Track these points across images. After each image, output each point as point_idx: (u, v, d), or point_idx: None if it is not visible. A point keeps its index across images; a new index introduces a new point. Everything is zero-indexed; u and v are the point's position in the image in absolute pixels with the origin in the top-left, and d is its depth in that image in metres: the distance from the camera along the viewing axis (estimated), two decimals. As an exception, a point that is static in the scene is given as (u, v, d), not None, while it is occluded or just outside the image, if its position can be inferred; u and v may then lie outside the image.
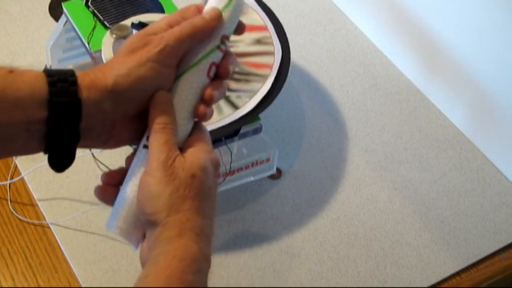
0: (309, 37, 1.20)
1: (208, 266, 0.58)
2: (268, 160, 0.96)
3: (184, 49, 0.60)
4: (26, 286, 0.86)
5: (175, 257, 0.55)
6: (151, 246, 0.57)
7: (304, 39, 1.20)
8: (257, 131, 0.92)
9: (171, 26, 0.60)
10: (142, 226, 0.60)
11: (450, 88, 1.09)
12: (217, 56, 0.62)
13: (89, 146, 0.60)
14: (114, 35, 0.91)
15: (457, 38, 1.04)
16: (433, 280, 0.91)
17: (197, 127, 0.62)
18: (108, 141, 0.60)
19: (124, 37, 0.92)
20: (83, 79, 0.56)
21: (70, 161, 0.58)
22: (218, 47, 0.62)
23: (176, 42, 0.59)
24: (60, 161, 0.59)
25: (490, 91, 1.02)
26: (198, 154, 0.59)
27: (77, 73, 0.56)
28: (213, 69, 0.62)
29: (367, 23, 1.21)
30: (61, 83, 0.55)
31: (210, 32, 0.60)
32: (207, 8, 0.62)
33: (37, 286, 0.86)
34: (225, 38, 0.62)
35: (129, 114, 0.59)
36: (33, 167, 0.95)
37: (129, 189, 0.60)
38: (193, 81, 0.61)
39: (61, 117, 0.55)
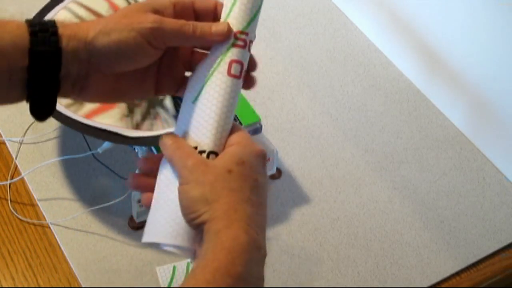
0: (309, 37, 1.20)
1: (262, 255, 0.57)
2: (268, 160, 0.96)
3: (176, 43, 0.60)
4: (26, 286, 0.86)
5: (223, 249, 0.54)
6: (202, 244, 0.57)
7: (304, 39, 1.20)
8: (257, 131, 0.92)
9: (174, 5, 0.60)
10: (194, 235, 0.59)
11: (450, 88, 1.10)
12: (236, 53, 0.60)
13: (66, 95, 0.60)
14: None
15: (457, 38, 1.04)
16: (433, 280, 0.91)
17: (233, 126, 0.62)
18: (82, 92, 0.60)
19: None
20: (65, 29, 0.57)
21: (51, 110, 0.59)
22: (234, 45, 0.60)
23: (171, 33, 0.59)
24: (41, 110, 0.59)
25: (490, 91, 1.02)
26: (234, 151, 0.60)
27: (60, 23, 0.57)
28: (236, 66, 0.60)
29: (367, 23, 1.21)
30: (42, 33, 0.56)
31: (212, 43, 0.61)
32: (222, 14, 0.61)
33: (37, 286, 0.86)
34: (240, 34, 0.61)
35: (103, 71, 0.59)
36: (33, 167, 0.95)
37: (168, 205, 0.60)
38: (217, 85, 0.60)
39: (41, 65, 0.56)
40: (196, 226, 0.57)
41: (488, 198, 1.01)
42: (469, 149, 1.07)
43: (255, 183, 0.58)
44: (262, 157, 0.60)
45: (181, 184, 0.58)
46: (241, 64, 0.61)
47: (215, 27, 0.60)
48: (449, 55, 1.07)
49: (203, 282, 0.53)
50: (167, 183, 0.60)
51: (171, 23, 0.59)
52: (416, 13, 1.10)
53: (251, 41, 0.61)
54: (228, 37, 0.60)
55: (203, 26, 0.60)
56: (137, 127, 0.86)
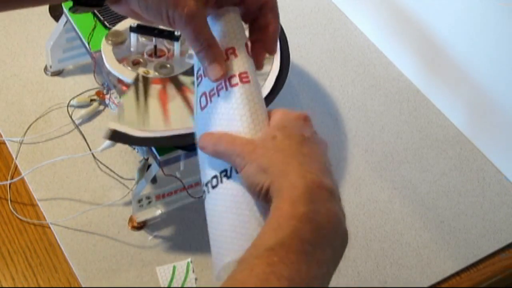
0: (309, 37, 1.20)
1: (330, 193, 0.57)
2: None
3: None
4: (26, 286, 0.86)
5: (284, 201, 0.55)
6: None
7: (304, 39, 1.20)
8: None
9: None
10: None
11: (450, 88, 1.10)
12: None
13: None
14: (110, 42, 0.91)
15: (457, 38, 1.05)
16: (433, 280, 0.91)
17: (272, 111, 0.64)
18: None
19: (121, 43, 0.92)
20: None
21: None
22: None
23: (189, 39, 0.62)
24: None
25: (490, 91, 1.02)
26: (274, 122, 0.61)
27: None
28: (249, 46, 0.63)
29: (367, 23, 1.21)
30: None
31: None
32: None
33: (37, 286, 0.86)
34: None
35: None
36: (33, 167, 0.95)
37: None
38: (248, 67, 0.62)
39: None
40: (265, 198, 0.58)
41: (488, 198, 1.01)
42: (469, 149, 1.07)
43: (301, 138, 0.60)
44: (303, 118, 0.62)
45: (240, 171, 0.59)
46: (242, 73, 0.62)
47: (212, 70, 0.62)
48: (449, 55, 1.07)
49: (270, 230, 0.54)
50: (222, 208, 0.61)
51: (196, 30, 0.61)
52: (416, 13, 1.10)
53: (246, 44, 0.63)
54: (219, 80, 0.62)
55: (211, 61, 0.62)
56: None
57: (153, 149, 0.83)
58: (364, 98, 1.12)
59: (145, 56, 0.92)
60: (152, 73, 0.89)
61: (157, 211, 0.92)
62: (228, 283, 0.52)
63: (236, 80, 0.62)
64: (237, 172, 0.60)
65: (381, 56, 1.18)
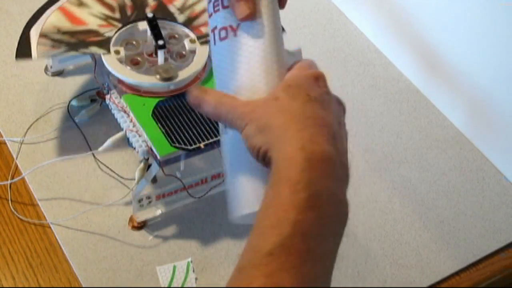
0: (309, 37, 1.20)
1: (334, 165, 0.52)
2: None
3: None
4: (26, 285, 0.86)
5: (280, 182, 0.51)
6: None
7: (304, 39, 1.20)
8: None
9: None
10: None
11: (450, 88, 1.10)
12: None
13: None
14: (158, 77, 0.89)
15: (457, 38, 1.05)
16: (433, 280, 0.91)
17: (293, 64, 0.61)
18: None
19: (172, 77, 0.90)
20: None
21: None
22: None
23: None
24: None
25: (490, 91, 1.02)
26: (285, 77, 0.58)
27: None
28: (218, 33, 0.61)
29: (367, 23, 1.21)
30: None
31: None
32: None
33: (37, 285, 0.86)
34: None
35: None
36: (33, 167, 0.95)
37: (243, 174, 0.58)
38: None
39: None
40: (263, 161, 0.55)
41: (487, 198, 1.01)
42: (469, 149, 1.07)
43: (307, 98, 0.55)
44: (315, 77, 0.58)
45: (240, 133, 0.56)
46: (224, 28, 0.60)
47: (238, 8, 0.59)
48: (449, 55, 1.07)
49: (268, 229, 0.50)
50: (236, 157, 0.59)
51: None
52: (416, 13, 1.10)
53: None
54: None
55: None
56: None
57: (153, 149, 0.83)
58: (364, 98, 1.12)
59: (145, 56, 0.92)
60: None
61: (157, 211, 0.93)
62: None
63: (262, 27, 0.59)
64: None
65: (381, 56, 1.18)
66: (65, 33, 0.93)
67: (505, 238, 0.96)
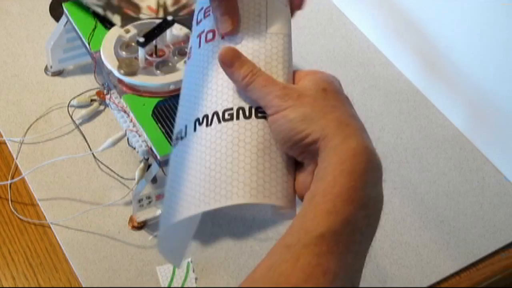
0: (309, 37, 1.20)
1: (381, 172, 0.54)
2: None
3: None
4: (26, 285, 0.86)
5: (343, 171, 0.51)
6: (318, 167, 0.53)
7: (304, 39, 1.20)
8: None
9: None
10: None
11: (450, 88, 1.10)
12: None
13: None
14: (122, 72, 0.90)
15: (457, 38, 1.05)
16: (433, 280, 0.91)
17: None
18: None
19: (135, 72, 0.90)
20: None
21: None
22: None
23: None
24: None
25: (490, 91, 1.02)
26: (316, 75, 0.58)
27: None
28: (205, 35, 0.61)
29: (367, 23, 1.21)
30: None
31: None
32: None
33: (37, 285, 0.86)
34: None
35: None
36: (33, 167, 0.95)
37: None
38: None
39: None
40: (304, 147, 0.54)
41: (487, 198, 1.01)
42: (469, 149, 1.07)
43: (348, 100, 0.57)
44: (337, 80, 0.60)
45: (274, 113, 0.55)
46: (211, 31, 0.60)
47: (222, 23, 0.59)
48: (449, 55, 1.07)
49: (324, 213, 0.50)
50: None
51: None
52: (416, 13, 1.10)
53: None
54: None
55: None
56: None
57: (153, 149, 0.83)
58: (364, 98, 1.12)
59: (147, 57, 0.92)
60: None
61: (157, 211, 0.93)
62: (270, 274, 0.50)
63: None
64: (246, 117, 0.55)
65: (381, 56, 1.19)
66: None
67: (505, 238, 0.96)
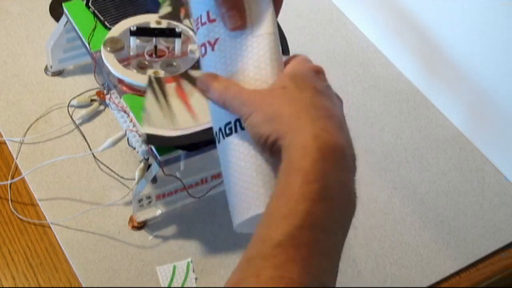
0: (309, 37, 1.20)
1: (343, 157, 0.52)
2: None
3: None
4: (26, 285, 0.86)
5: (294, 171, 0.50)
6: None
7: (304, 39, 1.20)
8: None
9: None
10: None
11: (450, 88, 1.10)
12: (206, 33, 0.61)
13: None
14: (108, 49, 0.91)
15: (457, 38, 1.05)
16: (433, 280, 0.91)
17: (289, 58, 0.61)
18: None
19: (120, 49, 0.91)
20: None
21: None
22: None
23: None
24: None
25: (490, 91, 1.02)
26: (285, 71, 0.58)
27: None
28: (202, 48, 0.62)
29: (367, 23, 1.21)
30: None
31: None
32: None
33: (37, 285, 0.86)
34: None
35: None
36: (33, 167, 0.95)
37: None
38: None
39: None
40: (270, 150, 0.54)
41: (487, 198, 1.01)
42: (469, 149, 1.07)
43: (314, 90, 0.56)
44: (316, 71, 0.58)
45: (244, 121, 0.56)
46: (207, 43, 0.60)
47: (229, 18, 0.59)
48: (449, 55, 1.07)
49: (279, 219, 0.49)
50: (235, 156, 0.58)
51: None
52: (416, 13, 1.10)
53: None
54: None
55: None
56: None
57: (153, 149, 0.83)
58: (364, 98, 1.12)
59: (146, 56, 0.92)
60: (162, 73, 0.89)
61: (157, 211, 0.93)
62: None
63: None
64: (242, 128, 0.57)
65: (381, 56, 1.19)
66: None
67: (505, 238, 0.96)
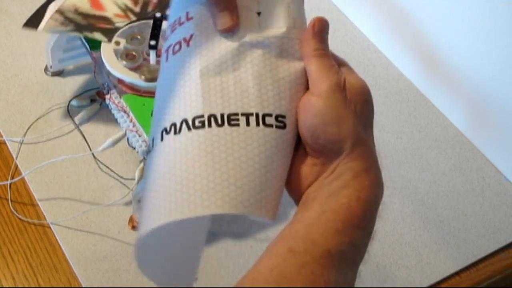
0: (309, 37, 1.20)
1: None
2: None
3: None
4: (26, 285, 0.86)
5: (359, 199, 0.54)
6: (331, 177, 0.54)
7: (304, 39, 1.19)
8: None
9: None
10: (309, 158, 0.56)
11: (450, 88, 1.10)
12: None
13: None
14: (124, 64, 0.89)
15: (457, 38, 1.05)
16: (433, 280, 0.91)
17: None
18: None
19: (139, 67, 0.90)
20: None
21: None
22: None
23: None
24: None
25: (490, 91, 1.02)
26: (360, 79, 0.60)
27: None
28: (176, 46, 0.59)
29: (367, 23, 1.21)
30: None
31: None
32: None
33: (37, 285, 0.86)
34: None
35: None
36: (33, 167, 0.95)
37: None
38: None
39: None
40: (325, 148, 0.55)
41: (488, 198, 1.01)
42: (469, 149, 1.07)
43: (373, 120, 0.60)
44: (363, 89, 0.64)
45: (319, 95, 0.56)
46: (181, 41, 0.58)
47: (220, 18, 0.58)
48: (449, 55, 1.07)
49: (333, 232, 0.53)
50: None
51: None
52: (416, 13, 1.10)
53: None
54: None
55: None
56: None
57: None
58: (364, 98, 1.12)
59: (144, 54, 0.92)
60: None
61: (157, 211, 0.92)
62: (274, 276, 0.51)
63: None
64: (190, 129, 0.53)
65: (381, 56, 1.18)
66: (80, 14, 0.93)
67: (505, 238, 0.96)
